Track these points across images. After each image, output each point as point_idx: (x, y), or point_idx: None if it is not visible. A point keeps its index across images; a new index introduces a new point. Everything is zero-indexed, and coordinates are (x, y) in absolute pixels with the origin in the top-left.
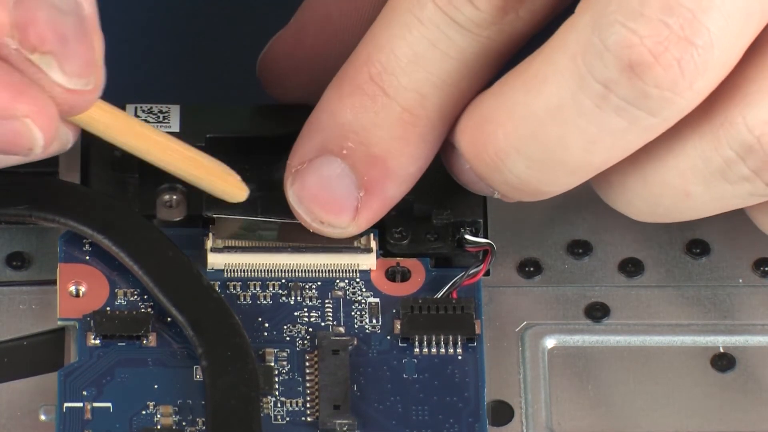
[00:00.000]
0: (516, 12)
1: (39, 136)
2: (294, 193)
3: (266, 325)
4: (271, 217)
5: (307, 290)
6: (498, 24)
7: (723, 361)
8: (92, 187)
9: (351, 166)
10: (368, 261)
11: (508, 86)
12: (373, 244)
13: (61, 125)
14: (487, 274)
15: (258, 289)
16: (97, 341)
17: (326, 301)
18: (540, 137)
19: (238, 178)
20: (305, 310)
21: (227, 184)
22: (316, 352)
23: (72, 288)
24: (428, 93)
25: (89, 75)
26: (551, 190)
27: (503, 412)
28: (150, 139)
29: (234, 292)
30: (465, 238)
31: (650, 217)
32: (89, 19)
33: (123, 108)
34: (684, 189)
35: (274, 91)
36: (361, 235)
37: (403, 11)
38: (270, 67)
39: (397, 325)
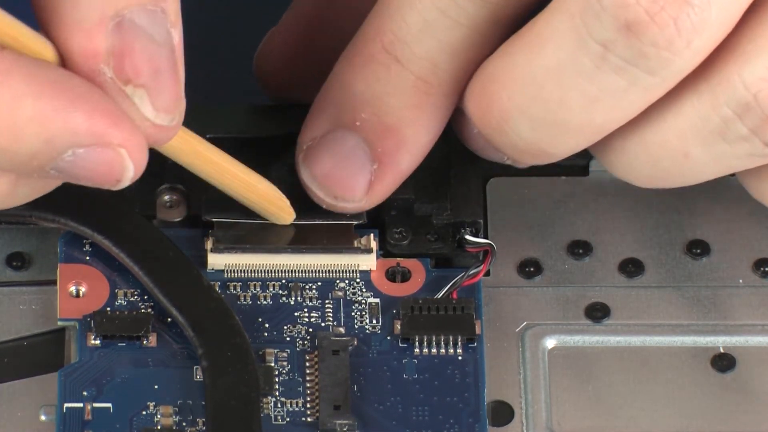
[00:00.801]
0: None
1: (131, 167)
2: (307, 171)
3: (266, 325)
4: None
5: (307, 291)
6: None
7: (723, 362)
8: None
9: (365, 138)
10: (368, 261)
11: (511, 49)
12: (374, 245)
13: None
14: (487, 274)
15: (258, 289)
16: (98, 341)
17: (326, 301)
18: (542, 98)
19: (287, 203)
20: (305, 310)
21: (277, 209)
22: (316, 353)
23: (72, 288)
24: (440, 61)
25: (176, 111)
26: (557, 152)
27: (503, 413)
28: (208, 160)
29: (234, 292)
30: (465, 239)
31: (650, 181)
32: (178, 50)
33: None
34: (683, 150)
35: (271, 89)
36: (361, 235)
37: None
38: (266, 64)
39: (398, 326)
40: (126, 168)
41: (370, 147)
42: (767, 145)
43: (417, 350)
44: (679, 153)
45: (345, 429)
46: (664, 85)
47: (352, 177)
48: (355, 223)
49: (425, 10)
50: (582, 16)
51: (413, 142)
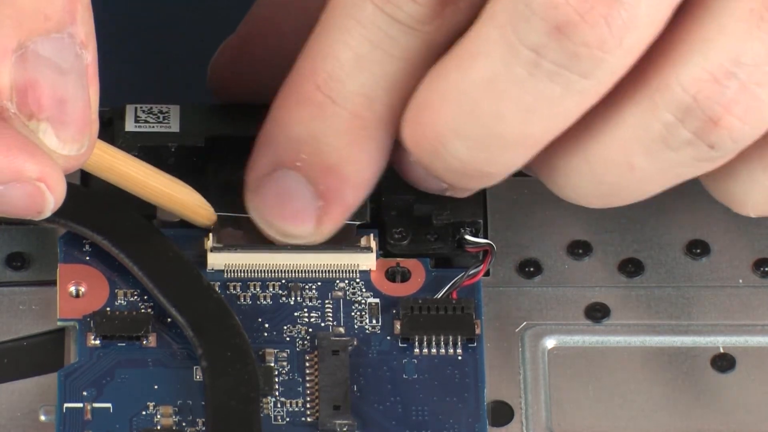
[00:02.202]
0: (456, 3)
1: (51, 200)
2: (254, 208)
3: (266, 325)
4: None
5: (307, 290)
6: (439, 17)
7: (723, 362)
8: (92, 188)
9: (306, 177)
10: (368, 261)
11: (442, 69)
12: (373, 245)
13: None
14: (487, 274)
15: (258, 289)
16: (97, 342)
17: (326, 301)
18: (476, 114)
19: (208, 208)
20: (305, 310)
21: (198, 216)
22: (316, 353)
23: (72, 288)
24: (375, 95)
25: (83, 139)
26: (495, 170)
27: (503, 413)
28: (124, 174)
29: (234, 292)
30: (465, 239)
31: (598, 200)
32: (89, 69)
33: (123, 108)
34: (627, 162)
35: (221, 98)
36: (360, 235)
37: (343, 16)
38: (216, 75)
39: (397, 326)
40: (46, 200)
41: (313, 185)
42: (712, 148)
43: (417, 350)
44: (623, 166)
45: (345, 429)
46: (599, 89)
47: (298, 215)
48: (357, 223)
49: (357, 45)
50: (511, 24)
51: (355, 178)
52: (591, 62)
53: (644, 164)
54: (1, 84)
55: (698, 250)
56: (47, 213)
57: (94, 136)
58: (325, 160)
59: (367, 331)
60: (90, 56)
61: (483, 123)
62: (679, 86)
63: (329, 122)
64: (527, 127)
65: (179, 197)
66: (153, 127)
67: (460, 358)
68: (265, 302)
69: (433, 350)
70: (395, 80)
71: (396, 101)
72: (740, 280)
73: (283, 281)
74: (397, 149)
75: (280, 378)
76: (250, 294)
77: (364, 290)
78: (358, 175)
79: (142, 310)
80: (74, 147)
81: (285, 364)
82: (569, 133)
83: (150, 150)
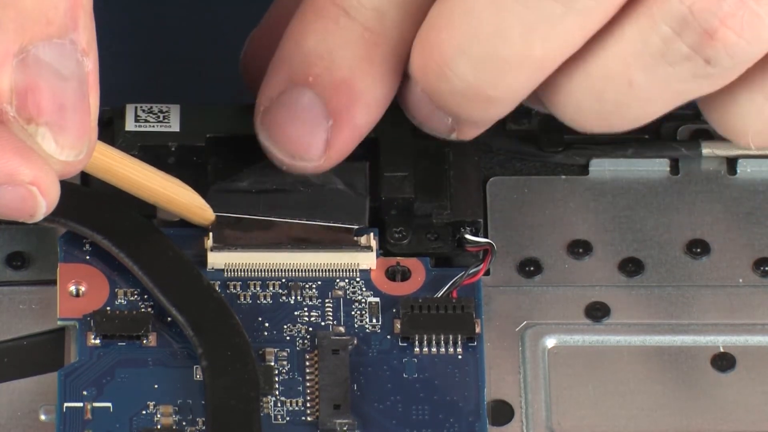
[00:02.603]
0: None
1: (43, 204)
2: (264, 131)
3: (266, 324)
4: (272, 216)
5: (307, 290)
6: None
7: (723, 361)
8: (92, 187)
9: (318, 93)
10: (368, 260)
11: None
12: (373, 244)
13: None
14: (487, 273)
15: (258, 288)
16: (97, 341)
17: (326, 300)
18: (479, 33)
19: (207, 209)
20: (305, 309)
21: (196, 217)
22: (316, 352)
23: (72, 288)
24: (387, 10)
25: (82, 145)
26: (499, 94)
27: (503, 412)
28: (123, 177)
29: (234, 291)
30: (465, 238)
31: (600, 121)
32: (90, 77)
33: (123, 108)
34: (627, 77)
35: (257, 90)
36: (361, 234)
37: None
38: (250, 66)
39: (397, 325)
40: (38, 204)
41: (325, 102)
42: (708, 63)
43: (417, 349)
44: (623, 82)
45: (345, 428)
46: (599, 9)
47: (308, 134)
48: (356, 227)
49: None
50: None
51: (367, 96)
52: None
53: (643, 80)
54: (1, 87)
55: (698, 250)
56: (39, 216)
57: (92, 143)
58: (337, 73)
59: (367, 331)
60: (91, 64)
61: (486, 42)
62: None
63: (342, 35)
64: (530, 46)
65: (177, 198)
66: (153, 126)
67: (460, 357)
68: (265, 301)
69: (433, 349)
70: None
71: (407, 19)
72: (740, 280)
73: (283, 280)
74: (404, 83)
75: (280, 377)
76: (250, 293)
77: (364, 289)
78: (369, 92)
79: (142, 310)
80: (72, 153)
81: (285, 363)
82: (572, 57)
83: (150, 150)
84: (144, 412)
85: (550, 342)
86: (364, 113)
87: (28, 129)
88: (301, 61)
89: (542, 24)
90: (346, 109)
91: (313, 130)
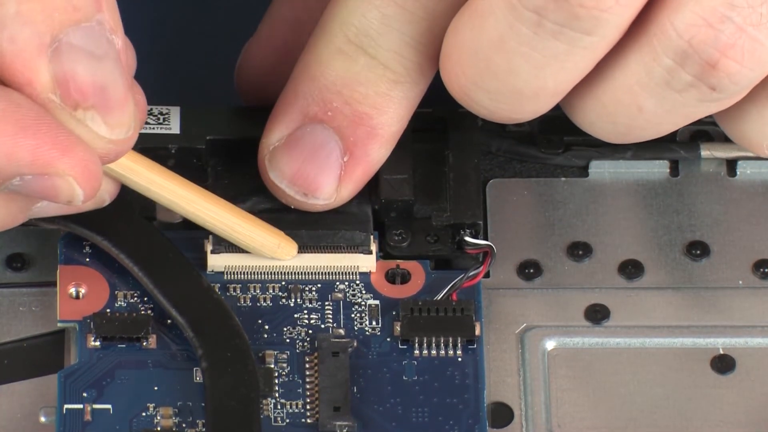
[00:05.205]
0: None
1: (80, 192)
2: (275, 170)
3: (266, 327)
4: (277, 227)
5: (307, 292)
6: None
7: (723, 363)
8: None
9: (337, 129)
10: (368, 263)
11: (456, 25)
12: (373, 246)
13: (102, 182)
14: (486, 276)
15: (258, 291)
16: (97, 343)
17: (326, 303)
18: (491, 69)
19: (291, 245)
20: (305, 312)
21: (277, 254)
22: (316, 354)
23: (72, 290)
24: (405, 52)
25: (129, 121)
26: (522, 117)
27: (503, 414)
28: (202, 209)
29: (234, 294)
30: (465, 240)
31: (617, 137)
32: (123, 53)
33: None
34: (636, 104)
35: (254, 100)
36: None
37: None
38: (247, 77)
39: (397, 327)
40: (75, 193)
41: (341, 137)
42: (713, 90)
43: (417, 352)
44: (632, 108)
45: (345, 431)
46: (604, 42)
47: (323, 172)
48: (361, 249)
49: (383, 5)
50: None
51: (384, 131)
52: (591, 21)
53: (652, 106)
54: (42, 79)
55: (698, 251)
56: (78, 203)
57: (140, 117)
58: (357, 108)
59: (367, 333)
60: (120, 41)
61: (499, 78)
62: (675, 32)
63: (362, 72)
64: (541, 81)
65: (257, 238)
66: (153, 128)
67: (460, 359)
68: (265, 304)
69: (433, 352)
70: (422, 39)
71: (425, 58)
72: (740, 281)
73: (283, 283)
74: None
75: (280, 379)
76: (250, 296)
77: (364, 292)
78: (387, 128)
79: (142, 312)
80: (122, 131)
81: (285, 365)
82: (583, 80)
83: (150, 151)
84: (144, 413)
85: (550, 344)
86: (380, 148)
87: (77, 115)
88: (319, 95)
89: (550, 61)
90: (364, 145)
91: (328, 168)
